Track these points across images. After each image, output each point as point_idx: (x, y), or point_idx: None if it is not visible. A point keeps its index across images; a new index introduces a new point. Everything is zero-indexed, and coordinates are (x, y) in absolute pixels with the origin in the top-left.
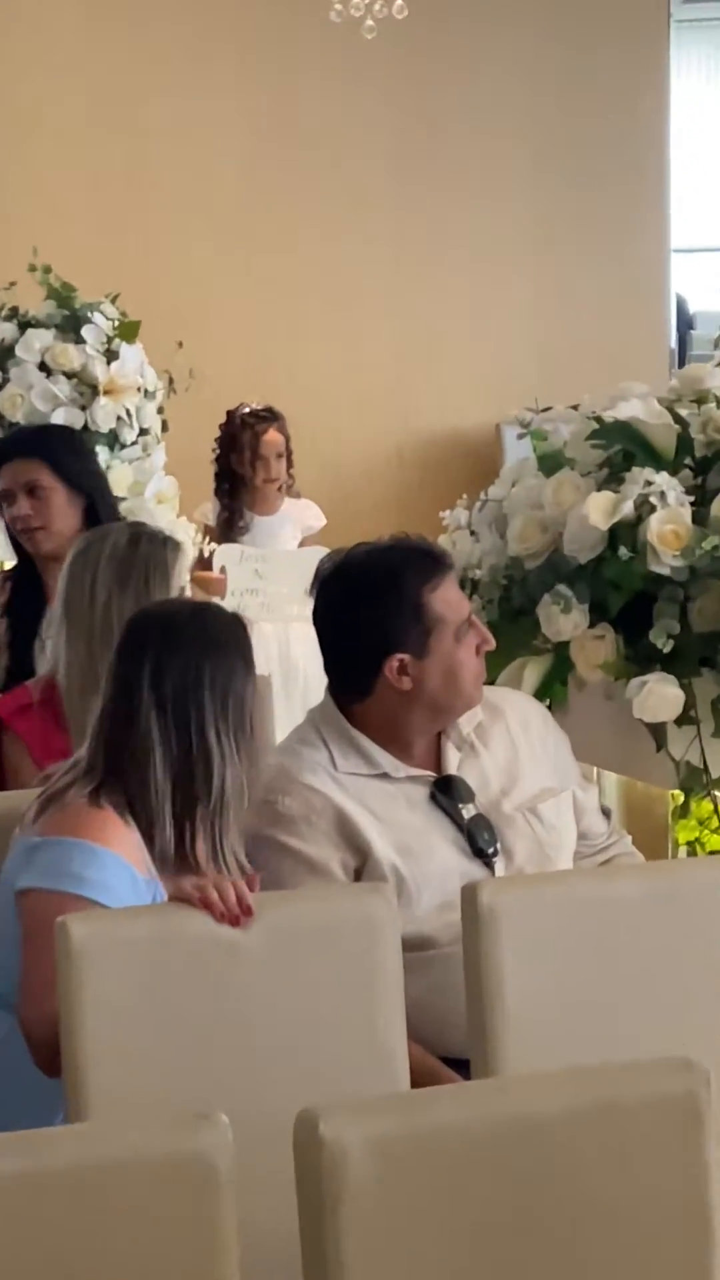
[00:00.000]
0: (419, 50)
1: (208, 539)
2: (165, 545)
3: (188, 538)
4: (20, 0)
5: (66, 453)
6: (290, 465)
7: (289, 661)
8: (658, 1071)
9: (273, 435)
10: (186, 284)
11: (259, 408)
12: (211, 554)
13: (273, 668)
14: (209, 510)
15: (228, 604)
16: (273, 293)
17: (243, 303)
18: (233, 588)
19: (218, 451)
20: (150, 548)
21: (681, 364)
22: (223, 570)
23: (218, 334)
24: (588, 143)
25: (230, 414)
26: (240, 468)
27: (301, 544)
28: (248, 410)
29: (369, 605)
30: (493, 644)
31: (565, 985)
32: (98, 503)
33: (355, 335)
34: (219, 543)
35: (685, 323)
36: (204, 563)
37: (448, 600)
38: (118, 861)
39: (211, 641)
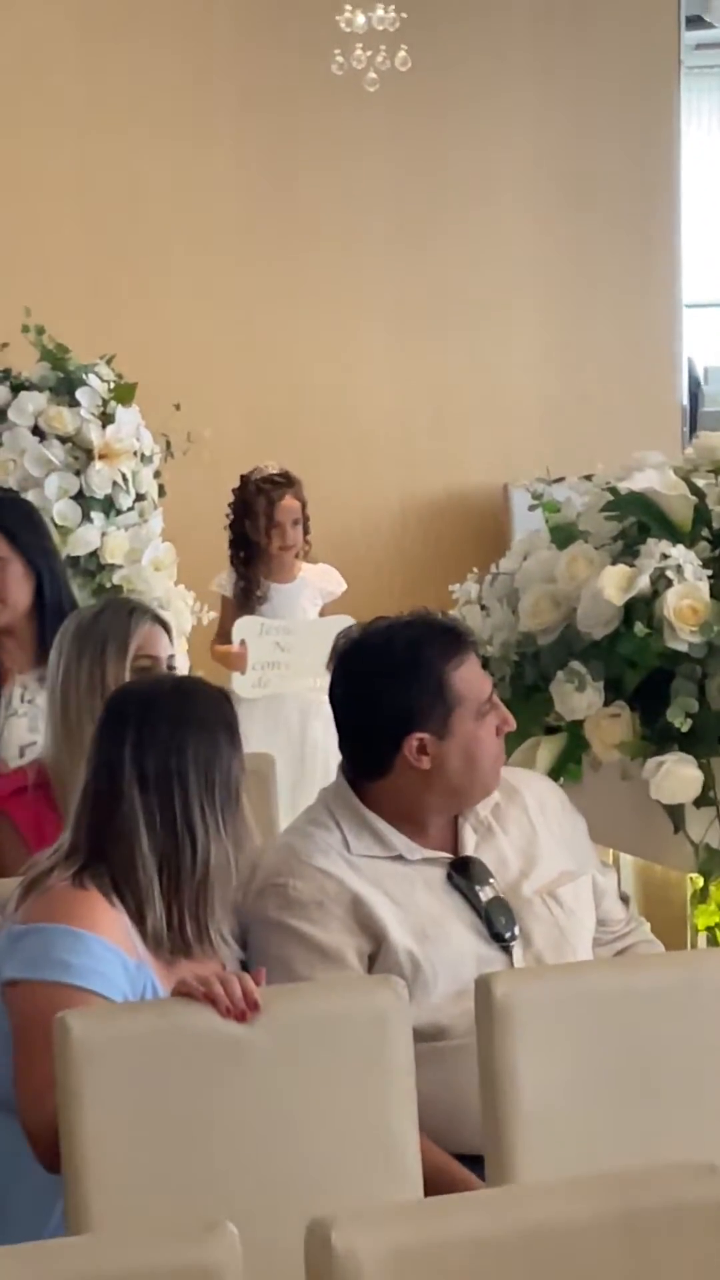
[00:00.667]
0: (421, 104)
1: (222, 609)
2: (130, 614)
3: (185, 606)
4: (16, 54)
5: (25, 527)
6: (307, 531)
7: (307, 737)
8: (681, 1177)
9: (289, 501)
10: (184, 344)
11: (273, 472)
12: (214, 621)
13: (291, 743)
14: (225, 580)
15: (249, 678)
16: (273, 352)
17: (243, 363)
18: (254, 661)
19: (231, 518)
20: (113, 617)
21: (693, 422)
22: (243, 644)
23: (216, 395)
24: (595, 197)
25: (244, 479)
26: (256, 535)
27: (322, 611)
28: (261, 475)
29: (389, 682)
30: (513, 725)
31: (583, 1080)
32: (44, 582)
33: (358, 395)
34: (237, 613)
35: (694, 379)
36: (223, 635)
37: (469, 679)
38: (105, 946)
39: (194, 716)
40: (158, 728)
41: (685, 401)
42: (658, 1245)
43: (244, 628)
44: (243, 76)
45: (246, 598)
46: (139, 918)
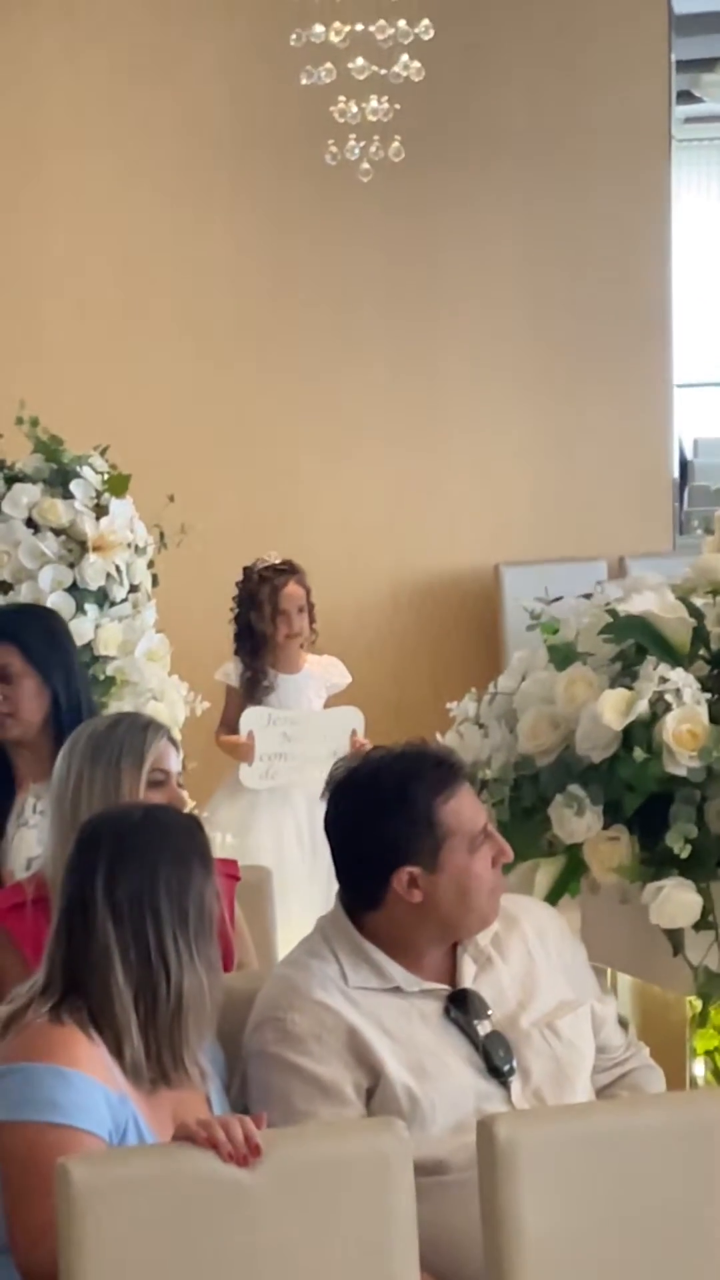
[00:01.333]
0: (414, 193)
1: (227, 699)
2: (146, 729)
3: (179, 696)
4: (11, 143)
5: (42, 641)
6: (313, 619)
7: (317, 827)
8: None
9: (293, 588)
10: (177, 434)
11: (276, 561)
12: (207, 712)
13: (300, 834)
14: (231, 671)
15: (256, 769)
16: (265, 440)
17: (235, 450)
18: (261, 752)
19: (236, 610)
20: (129, 731)
21: (681, 498)
22: (250, 734)
23: (208, 484)
24: (587, 282)
25: (247, 571)
26: (261, 624)
27: (326, 703)
28: (265, 565)
29: (378, 816)
30: (510, 856)
31: (586, 1221)
32: (60, 697)
33: (350, 478)
34: (243, 703)
35: (682, 453)
36: (228, 725)
37: (460, 811)
38: (88, 1081)
39: (165, 844)
40: (129, 859)
41: (676, 475)
42: None
43: (251, 718)
44: (237, 166)
45: (253, 688)
46: (117, 1050)
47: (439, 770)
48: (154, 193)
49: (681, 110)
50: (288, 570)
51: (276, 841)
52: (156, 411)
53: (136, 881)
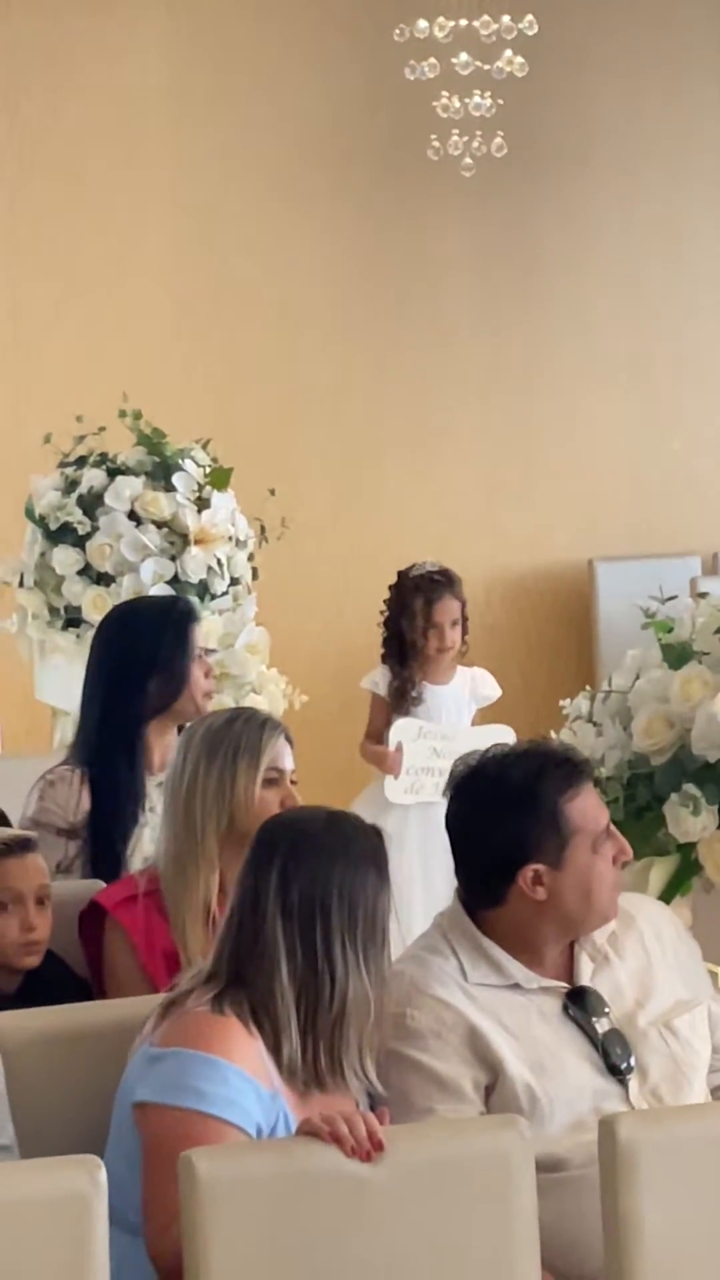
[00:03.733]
0: (514, 189)
1: (373, 707)
2: (263, 726)
3: (278, 689)
4: (111, 140)
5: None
6: (465, 631)
7: None
8: None
9: (448, 602)
10: (272, 427)
11: (433, 570)
12: (306, 705)
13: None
14: (379, 679)
15: (401, 782)
16: (360, 432)
17: (330, 443)
18: (408, 765)
19: (387, 615)
20: (245, 727)
21: None
22: (399, 747)
23: (304, 477)
24: (684, 274)
25: (402, 576)
26: (412, 634)
27: (474, 717)
28: (420, 573)
29: (504, 814)
30: (630, 855)
31: (707, 1222)
32: None
33: (443, 473)
34: (389, 714)
35: None
36: (374, 735)
37: (585, 810)
38: (240, 1075)
39: (343, 850)
40: (306, 859)
41: None
42: None
43: (402, 730)
44: (337, 160)
45: (401, 698)
46: (275, 1047)
47: (564, 768)
48: (253, 189)
49: None
50: (444, 581)
51: (425, 860)
52: (253, 406)
53: (310, 882)
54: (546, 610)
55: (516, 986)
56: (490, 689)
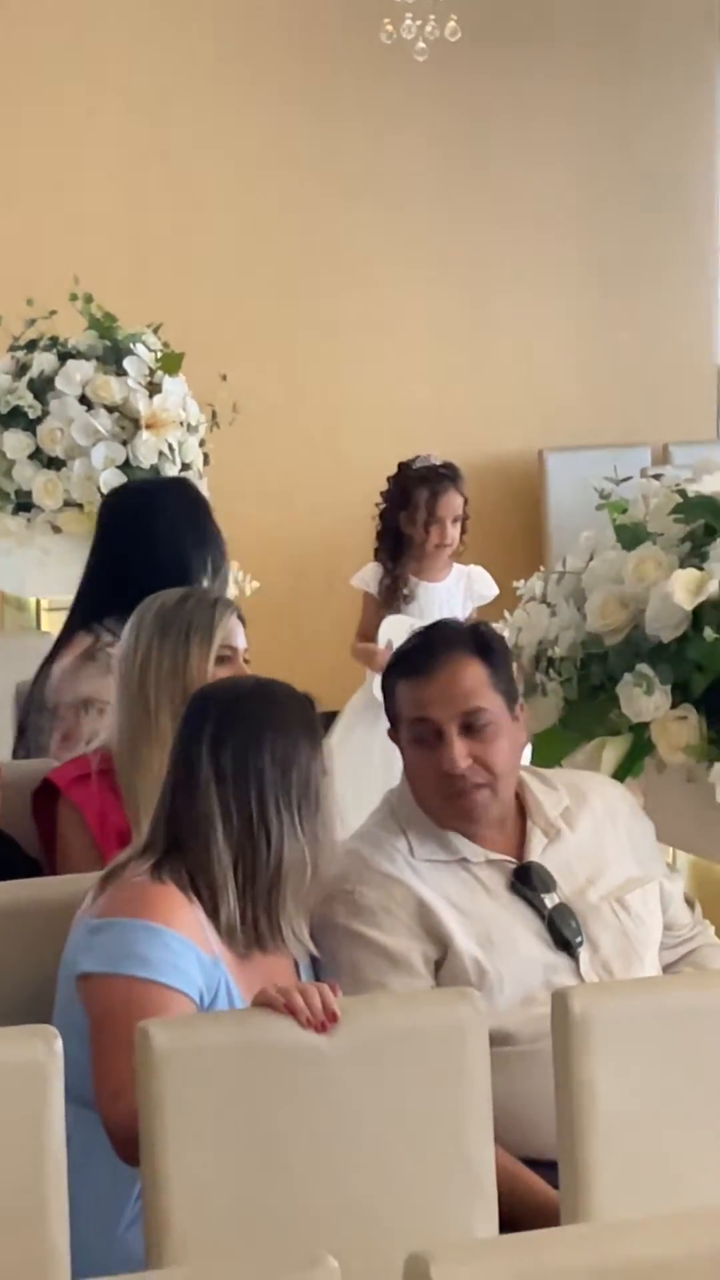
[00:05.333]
0: (467, 74)
1: (364, 606)
2: (215, 605)
3: (230, 576)
4: (63, 28)
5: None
6: (465, 530)
7: None
8: None
9: (453, 496)
10: (224, 315)
11: (436, 463)
12: (257, 591)
13: None
14: (369, 577)
15: None
16: (313, 320)
17: (283, 330)
18: None
19: (383, 506)
20: (198, 605)
21: None
22: (389, 645)
23: (255, 364)
24: (638, 166)
25: (403, 467)
26: (410, 528)
27: (470, 616)
28: (425, 465)
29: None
30: (451, 771)
31: (659, 1094)
32: None
33: (395, 363)
34: (380, 611)
35: None
36: (364, 633)
37: (405, 700)
38: (180, 941)
39: (273, 715)
40: (237, 724)
41: (719, 363)
42: None
43: (392, 627)
44: (288, 45)
45: (392, 595)
46: (213, 911)
47: (409, 655)
48: (203, 76)
49: None
50: (449, 475)
51: None
52: (205, 294)
53: (242, 746)
54: (497, 500)
55: (464, 861)
56: (487, 587)
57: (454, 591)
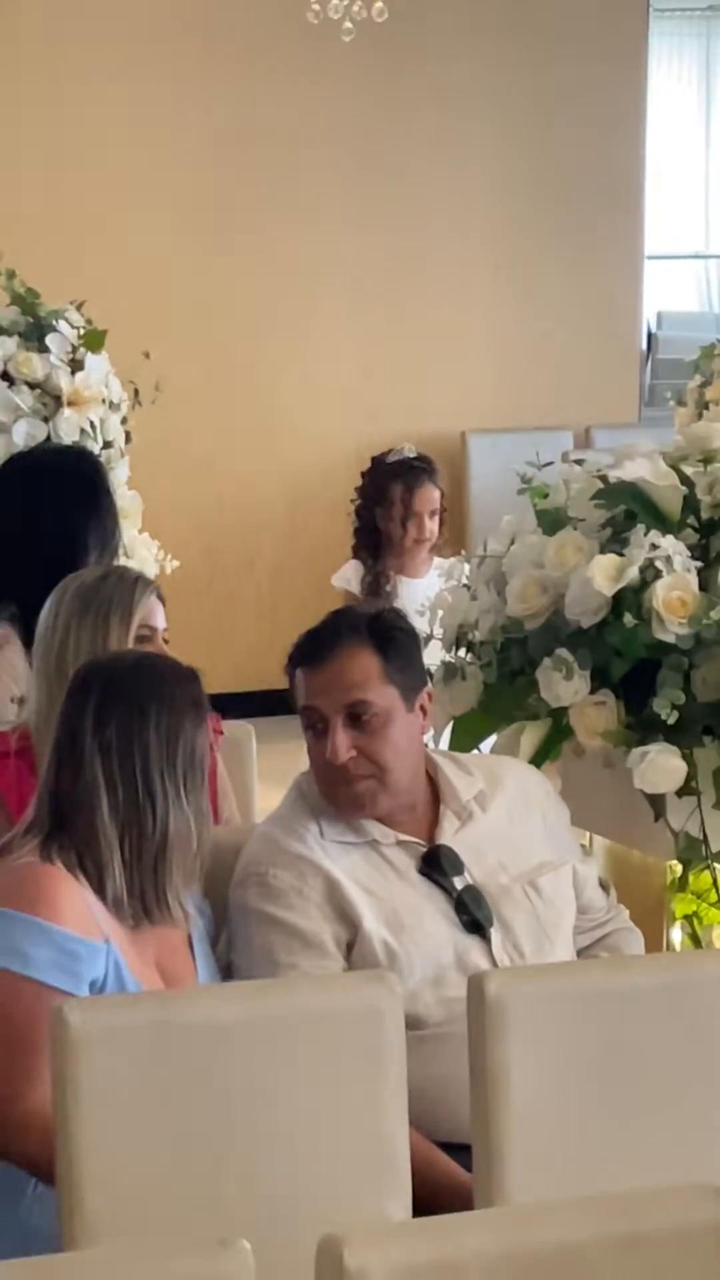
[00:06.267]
0: (392, 57)
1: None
2: (135, 584)
3: (150, 554)
4: None
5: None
6: (443, 523)
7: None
8: (688, 1200)
9: (429, 489)
10: (148, 291)
11: (411, 455)
12: (177, 570)
13: None
14: (350, 575)
15: None
16: (235, 300)
17: (205, 310)
18: None
19: (359, 503)
20: (118, 584)
21: (646, 370)
22: None
23: (179, 341)
24: (562, 149)
25: (377, 461)
26: (388, 524)
27: None
28: (399, 458)
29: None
30: (334, 760)
31: (573, 1078)
32: None
33: (319, 341)
34: None
35: (648, 326)
36: None
37: (301, 687)
38: (66, 937)
39: (157, 687)
40: (120, 696)
41: (643, 347)
42: (663, 1267)
43: None
44: (212, 22)
45: (374, 594)
46: (100, 887)
47: (304, 642)
48: (128, 51)
49: None
50: (424, 468)
51: None
52: (129, 270)
53: (125, 719)
54: None
55: (374, 843)
56: None
57: (435, 587)
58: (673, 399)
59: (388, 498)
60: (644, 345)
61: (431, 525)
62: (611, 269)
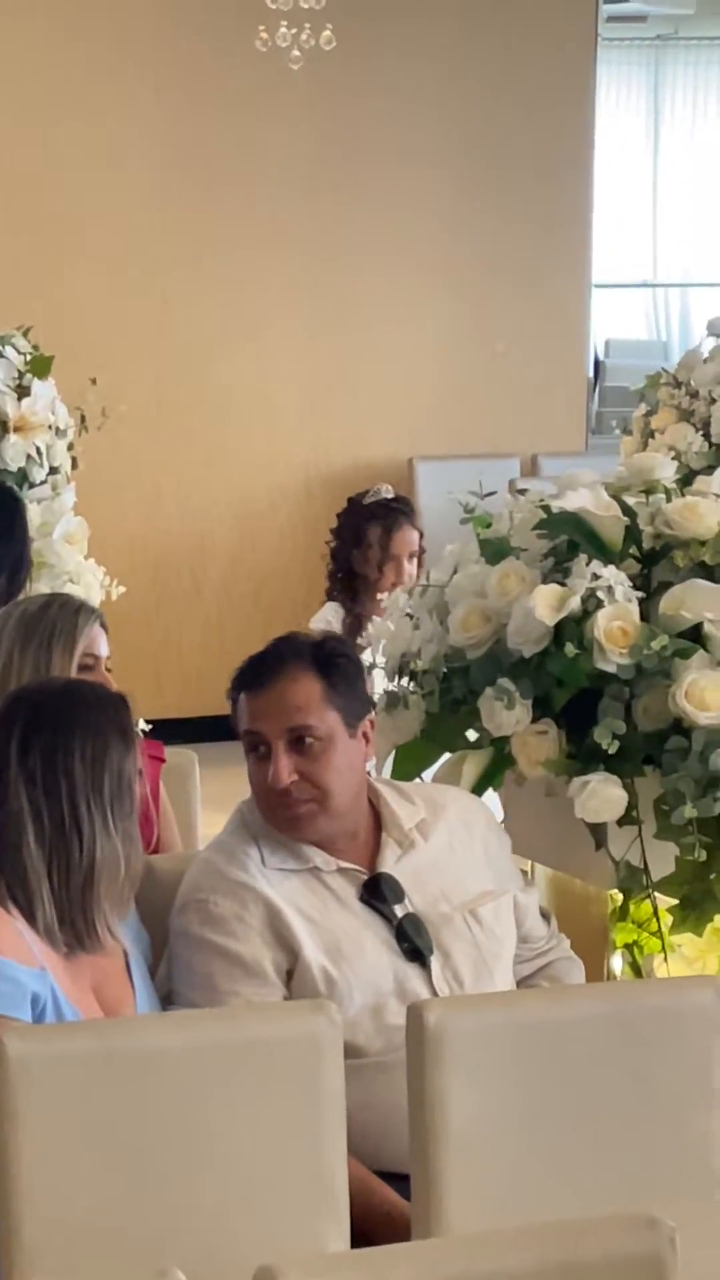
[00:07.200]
0: (341, 83)
1: None
2: (78, 612)
3: (95, 580)
4: None
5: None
6: (422, 565)
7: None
8: (621, 1230)
9: (408, 531)
10: (96, 317)
11: (388, 497)
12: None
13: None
14: (330, 617)
15: None
16: (185, 326)
17: (154, 336)
18: None
19: (335, 545)
20: (61, 612)
21: (593, 398)
22: None
23: (126, 367)
24: (509, 177)
25: (354, 502)
26: (364, 567)
27: None
28: (376, 499)
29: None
30: (277, 784)
31: (512, 1108)
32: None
33: (267, 367)
34: None
35: (595, 353)
36: None
37: (243, 713)
38: (6, 965)
39: (82, 714)
40: (45, 726)
41: (590, 375)
42: None
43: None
44: (163, 49)
45: (353, 637)
46: (30, 916)
47: (247, 667)
48: (78, 75)
49: (604, 9)
50: (402, 509)
51: None
52: (77, 295)
53: (50, 747)
54: None
55: (316, 870)
56: None
57: None
58: (618, 427)
59: (365, 540)
60: (591, 373)
61: (410, 568)
62: (559, 297)
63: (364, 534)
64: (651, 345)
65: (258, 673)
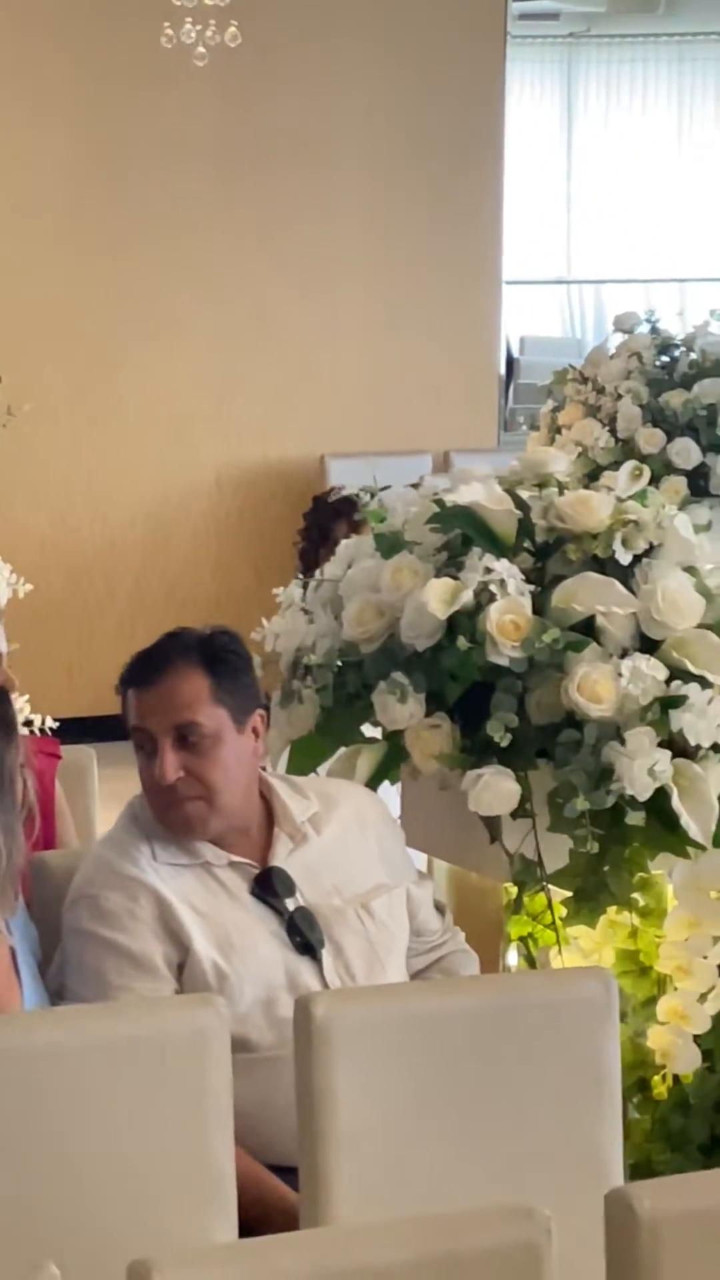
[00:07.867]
0: (250, 79)
1: None
2: None
3: (2, 577)
4: None
5: None
6: None
7: None
8: (500, 1221)
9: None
10: (4, 315)
11: (353, 494)
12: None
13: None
14: None
15: None
16: (94, 323)
17: (63, 334)
18: None
19: (302, 545)
20: None
21: (507, 395)
22: None
23: (36, 366)
24: (421, 174)
25: (319, 501)
26: None
27: None
28: (340, 497)
29: None
30: (163, 782)
31: (401, 1101)
32: None
33: (178, 363)
34: None
35: (509, 350)
36: None
37: (131, 709)
38: None
39: None
40: None
41: (502, 372)
42: None
43: None
44: (70, 47)
45: None
46: None
47: (135, 663)
48: None
49: (516, 7)
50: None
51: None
52: None
53: None
54: (278, 504)
55: (207, 864)
56: None
57: None
58: (527, 424)
59: (332, 537)
60: (504, 370)
61: None
62: (471, 294)
63: (330, 531)
64: (566, 342)
65: (145, 669)
